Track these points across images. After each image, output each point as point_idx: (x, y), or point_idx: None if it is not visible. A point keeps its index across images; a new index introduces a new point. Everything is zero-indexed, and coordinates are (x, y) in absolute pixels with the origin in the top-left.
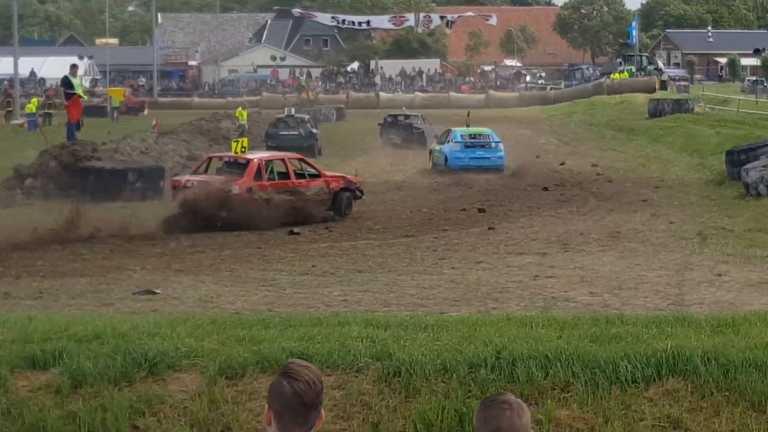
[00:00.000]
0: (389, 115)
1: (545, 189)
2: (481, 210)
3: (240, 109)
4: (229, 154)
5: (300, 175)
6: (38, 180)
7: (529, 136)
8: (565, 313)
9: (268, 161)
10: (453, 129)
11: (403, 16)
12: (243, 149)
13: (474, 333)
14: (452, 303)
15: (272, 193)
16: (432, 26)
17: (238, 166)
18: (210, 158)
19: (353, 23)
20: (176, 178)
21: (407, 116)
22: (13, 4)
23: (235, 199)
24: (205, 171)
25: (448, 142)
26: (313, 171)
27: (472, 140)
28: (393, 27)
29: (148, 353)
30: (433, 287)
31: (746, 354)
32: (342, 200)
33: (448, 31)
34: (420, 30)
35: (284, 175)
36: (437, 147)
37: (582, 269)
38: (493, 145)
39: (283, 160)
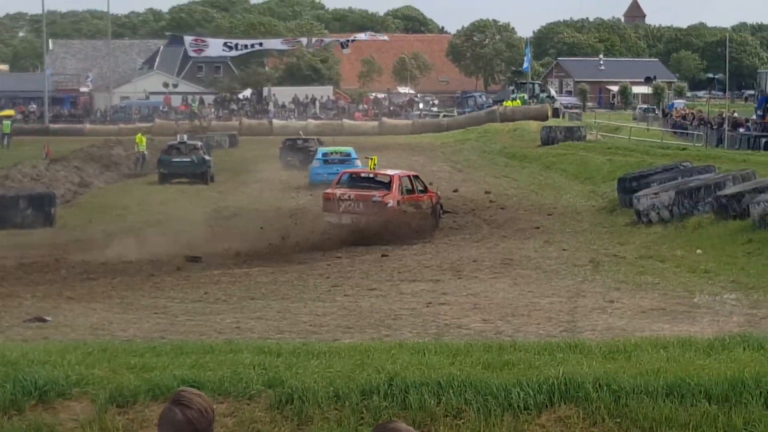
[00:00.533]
0: (287, 139)
1: (451, 212)
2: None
3: (139, 135)
4: (364, 170)
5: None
6: None
7: (422, 163)
8: (458, 340)
9: (402, 177)
10: (320, 148)
11: (296, 39)
12: (375, 166)
13: (367, 360)
14: (345, 330)
15: (407, 206)
16: (323, 44)
17: (376, 181)
18: (343, 174)
19: (246, 46)
20: (329, 191)
21: (305, 140)
22: None
23: (391, 211)
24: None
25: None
26: (421, 187)
27: (332, 157)
28: (285, 47)
29: (38, 381)
30: (325, 314)
31: (637, 380)
32: (437, 211)
33: (346, 51)
34: (311, 50)
35: (409, 191)
36: (310, 165)
37: (475, 296)
38: (350, 161)
39: (409, 176)
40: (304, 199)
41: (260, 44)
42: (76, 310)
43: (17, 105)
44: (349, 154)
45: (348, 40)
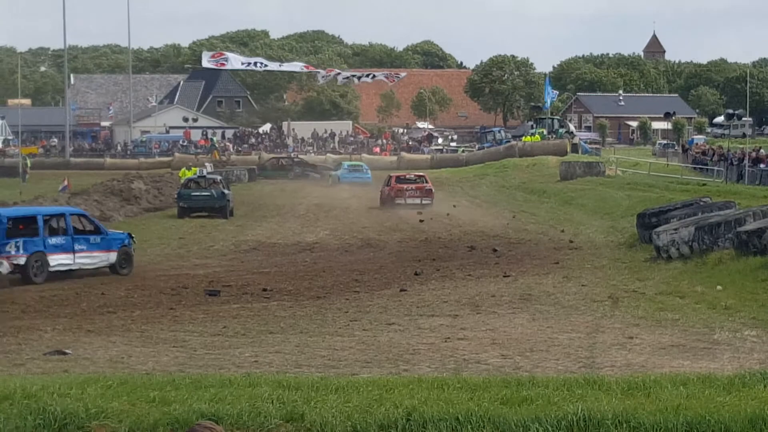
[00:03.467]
0: (273, 158)
1: (471, 248)
2: (417, 274)
3: (184, 169)
4: (403, 173)
5: None
6: None
7: (441, 198)
8: (476, 375)
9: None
10: (343, 162)
11: (315, 69)
12: None
13: (385, 395)
14: (363, 364)
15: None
16: (340, 79)
17: (416, 179)
18: (389, 176)
19: (264, 64)
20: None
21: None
22: None
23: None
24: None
25: (340, 169)
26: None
27: (353, 167)
28: (304, 71)
29: (58, 414)
30: (344, 349)
31: (657, 417)
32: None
33: (346, 80)
34: (325, 80)
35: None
36: (333, 173)
37: (493, 331)
38: (365, 170)
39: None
40: (323, 234)
41: (279, 64)
42: (95, 343)
43: (39, 139)
44: (361, 166)
45: (363, 75)
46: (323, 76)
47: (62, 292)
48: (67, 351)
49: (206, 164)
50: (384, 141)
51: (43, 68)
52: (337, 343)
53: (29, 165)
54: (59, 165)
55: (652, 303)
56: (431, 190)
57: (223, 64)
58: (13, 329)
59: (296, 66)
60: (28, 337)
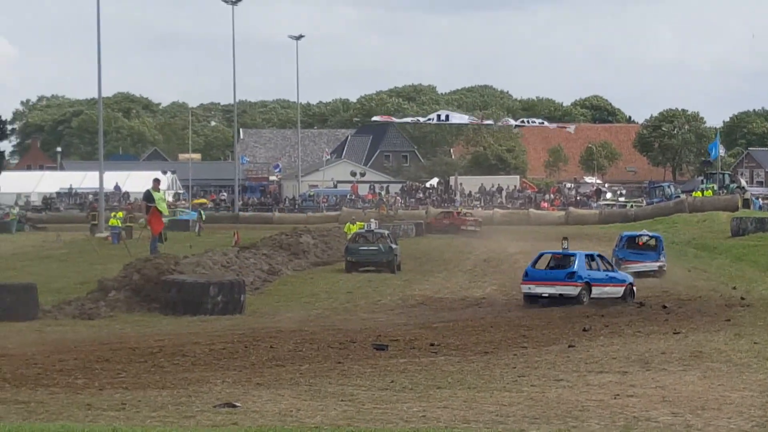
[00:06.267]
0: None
1: (641, 304)
2: (585, 329)
3: (348, 224)
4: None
5: None
6: (121, 293)
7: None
8: None
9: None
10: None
11: (483, 120)
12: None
13: None
14: (532, 420)
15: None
16: (508, 122)
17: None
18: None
19: (431, 119)
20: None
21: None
22: (99, 120)
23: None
24: None
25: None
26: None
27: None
28: (470, 122)
29: None
30: (512, 404)
31: None
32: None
33: (515, 131)
34: (497, 126)
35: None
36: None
37: (663, 389)
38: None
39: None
40: (490, 289)
41: (446, 117)
42: (264, 396)
43: (209, 193)
44: None
45: (527, 121)
46: (494, 125)
47: (231, 345)
48: (236, 404)
49: (372, 220)
50: (551, 196)
51: (213, 123)
52: (504, 398)
53: (203, 218)
54: (229, 219)
55: None
56: (479, 220)
57: (389, 119)
58: (183, 381)
59: (462, 117)
60: (198, 390)
